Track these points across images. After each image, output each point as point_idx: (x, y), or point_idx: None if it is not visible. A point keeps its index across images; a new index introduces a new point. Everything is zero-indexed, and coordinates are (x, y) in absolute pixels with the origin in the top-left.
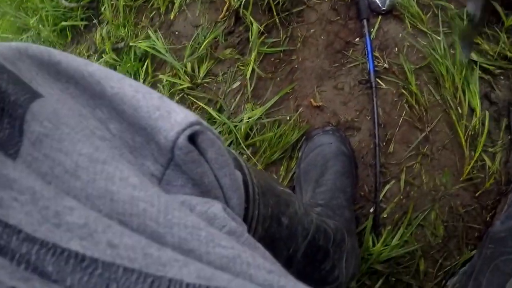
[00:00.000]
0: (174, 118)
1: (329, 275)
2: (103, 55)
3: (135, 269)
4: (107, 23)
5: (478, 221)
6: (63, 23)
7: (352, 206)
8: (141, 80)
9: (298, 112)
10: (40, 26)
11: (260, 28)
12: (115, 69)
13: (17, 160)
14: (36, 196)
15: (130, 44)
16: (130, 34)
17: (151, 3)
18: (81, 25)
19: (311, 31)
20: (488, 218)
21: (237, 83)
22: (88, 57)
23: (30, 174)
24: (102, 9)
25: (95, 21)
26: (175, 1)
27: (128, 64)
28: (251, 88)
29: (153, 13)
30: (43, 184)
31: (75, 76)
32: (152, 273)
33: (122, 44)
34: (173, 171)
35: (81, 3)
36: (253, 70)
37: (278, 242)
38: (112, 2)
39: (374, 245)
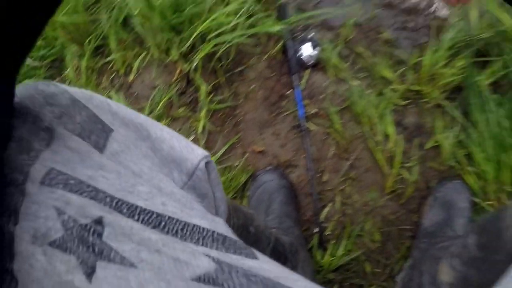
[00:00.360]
0: (196, 151)
1: None
2: None
3: (175, 218)
4: (69, 83)
5: (408, 223)
6: (27, 81)
7: (299, 227)
8: None
9: (245, 158)
10: None
11: (208, 88)
12: None
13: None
14: (120, 175)
15: None
16: None
17: (111, 65)
18: None
19: (251, 87)
20: (416, 219)
21: (191, 137)
22: None
23: (114, 163)
24: (66, 71)
25: (57, 79)
26: (133, 65)
27: None
28: (204, 141)
29: (113, 74)
30: (124, 169)
31: (128, 123)
32: (184, 220)
33: None
34: (187, 192)
35: (44, 62)
36: (204, 125)
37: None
38: (74, 63)
39: (323, 258)
